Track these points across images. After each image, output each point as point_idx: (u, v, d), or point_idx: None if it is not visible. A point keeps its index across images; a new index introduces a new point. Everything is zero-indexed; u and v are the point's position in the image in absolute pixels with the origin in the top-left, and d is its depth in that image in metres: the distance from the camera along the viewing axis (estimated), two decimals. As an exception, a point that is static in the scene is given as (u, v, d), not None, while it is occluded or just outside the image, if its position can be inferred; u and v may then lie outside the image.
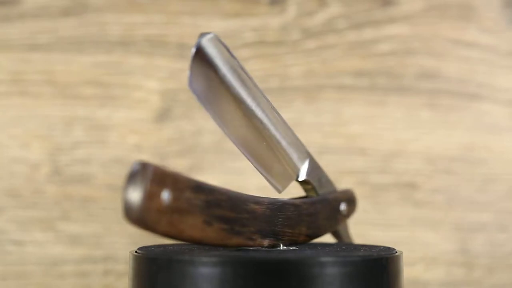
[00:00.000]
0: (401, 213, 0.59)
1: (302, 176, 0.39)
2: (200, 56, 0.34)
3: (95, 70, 0.57)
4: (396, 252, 0.37)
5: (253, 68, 0.58)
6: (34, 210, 0.56)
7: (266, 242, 0.36)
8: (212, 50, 0.35)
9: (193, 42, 0.63)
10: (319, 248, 0.38)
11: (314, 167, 0.40)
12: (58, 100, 0.57)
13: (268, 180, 0.38)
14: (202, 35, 0.34)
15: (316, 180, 0.40)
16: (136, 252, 0.36)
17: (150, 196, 0.30)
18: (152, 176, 0.31)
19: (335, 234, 0.42)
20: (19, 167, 0.57)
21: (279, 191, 0.38)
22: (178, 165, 0.57)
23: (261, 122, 0.37)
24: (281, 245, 0.37)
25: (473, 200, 0.59)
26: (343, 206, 0.41)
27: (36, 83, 0.57)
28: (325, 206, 0.40)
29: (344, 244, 0.41)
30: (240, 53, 0.58)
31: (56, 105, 0.57)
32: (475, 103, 0.59)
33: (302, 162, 0.39)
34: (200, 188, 0.33)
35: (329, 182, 0.41)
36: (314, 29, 0.59)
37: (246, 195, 0.35)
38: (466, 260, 0.58)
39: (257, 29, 0.59)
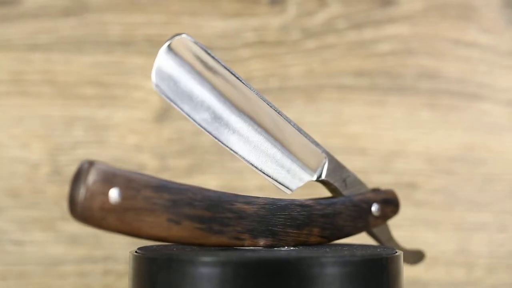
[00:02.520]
0: (401, 213, 0.58)
1: (314, 177, 0.39)
2: (161, 68, 0.34)
3: (95, 70, 0.57)
4: (396, 252, 0.37)
5: (253, 68, 0.58)
6: (34, 210, 0.56)
7: (261, 242, 0.36)
8: (173, 60, 0.34)
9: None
10: (319, 248, 0.38)
11: (336, 168, 0.39)
12: (58, 100, 0.57)
13: (272, 182, 0.38)
14: (170, 38, 0.34)
15: (338, 181, 0.39)
16: (136, 252, 0.36)
17: (92, 194, 0.31)
18: (97, 175, 0.31)
19: (372, 235, 0.41)
20: (19, 167, 0.57)
21: (288, 192, 0.38)
22: (178, 165, 0.57)
23: (253, 130, 0.36)
24: (285, 246, 0.37)
25: (473, 200, 0.59)
26: (375, 207, 0.40)
27: (36, 83, 0.57)
28: (348, 207, 0.39)
29: (344, 244, 0.41)
30: (240, 53, 0.58)
31: (56, 105, 0.57)
32: (475, 103, 0.59)
33: (317, 163, 0.39)
34: (163, 187, 0.33)
35: (358, 182, 0.40)
36: (314, 29, 0.59)
37: (235, 195, 0.35)
38: (466, 260, 0.58)
39: (257, 29, 0.59)
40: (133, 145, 0.57)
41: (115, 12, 0.58)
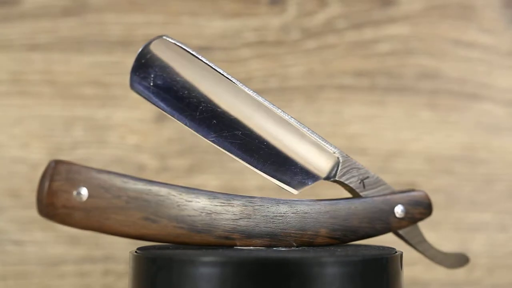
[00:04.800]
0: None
1: (322, 178, 0.38)
2: (138, 70, 0.35)
3: (95, 70, 0.57)
4: (396, 252, 0.37)
5: (253, 68, 0.58)
6: (34, 210, 0.56)
7: (257, 242, 0.36)
8: (151, 61, 0.34)
9: (192, 42, 0.63)
10: (320, 248, 0.38)
11: (351, 169, 0.39)
12: (58, 100, 0.57)
13: (275, 183, 0.38)
14: (150, 40, 0.34)
15: (354, 182, 0.39)
16: (136, 252, 0.36)
17: (56, 192, 0.32)
18: (62, 174, 0.32)
19: (400, 237, 0.41)
20: (19, 167, 0.57)
21: (294, 193, 0.38)
22: (178, 165, 0.57)
23: (249, 132, 0.36)
24: (286, 246, 0.37)
25: (473, 200, 0.59)
26: (399, 209, 0.39)
27: (36, 83, 0.57)
28: (365, 208, 0.39)
29: (346, 244, 0.41)
30: (240, 53, 0.58)
31: (56, 105, 0.57)
32: (475, 103, 0.59)
33: (327, 164, 0.38)
34: (139, 186, 0.34)
35: (381, 183, 0.39)
36: (314, 29, 0.59)
37: (228, 194, 0.35)
38: (466, 260, 0.58)
39: (257, 29, 0.59)
40: (133, 145, 0.57)
41: (115, 12, 0.58)
